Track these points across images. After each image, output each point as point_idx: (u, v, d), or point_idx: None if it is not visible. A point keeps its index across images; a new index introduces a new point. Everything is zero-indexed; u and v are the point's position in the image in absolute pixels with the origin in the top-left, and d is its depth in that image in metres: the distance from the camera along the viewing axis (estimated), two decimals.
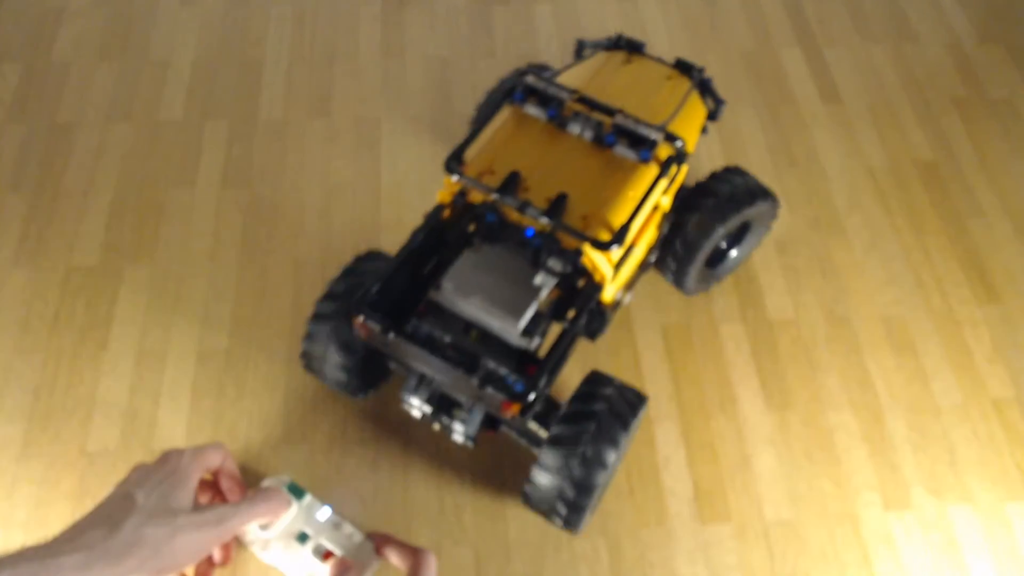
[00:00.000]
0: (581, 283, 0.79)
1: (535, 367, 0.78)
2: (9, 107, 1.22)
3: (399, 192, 1.16)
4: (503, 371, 0.76)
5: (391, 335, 0.75)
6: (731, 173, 0.98)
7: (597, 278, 0.79)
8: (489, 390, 0.73)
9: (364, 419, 0.96)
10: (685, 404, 0.99)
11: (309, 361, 0.88)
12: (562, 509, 0.80)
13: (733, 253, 1.06)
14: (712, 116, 0.98)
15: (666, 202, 0.89)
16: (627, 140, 0.82)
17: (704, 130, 0.98)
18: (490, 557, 0.88)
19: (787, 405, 1.00)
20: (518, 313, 0.76)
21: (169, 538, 0.70)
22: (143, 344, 1.00)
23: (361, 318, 0.76)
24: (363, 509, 0.90)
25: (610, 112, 0.84)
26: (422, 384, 0.82)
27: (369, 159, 1.19)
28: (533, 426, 0.84)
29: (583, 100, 0.85)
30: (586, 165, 0.82)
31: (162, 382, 0.98)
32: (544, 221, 0.76)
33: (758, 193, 0.96)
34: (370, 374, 0.91)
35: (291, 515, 0.83)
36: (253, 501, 0.78)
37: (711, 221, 0.94)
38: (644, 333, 1.04)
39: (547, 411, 0.84)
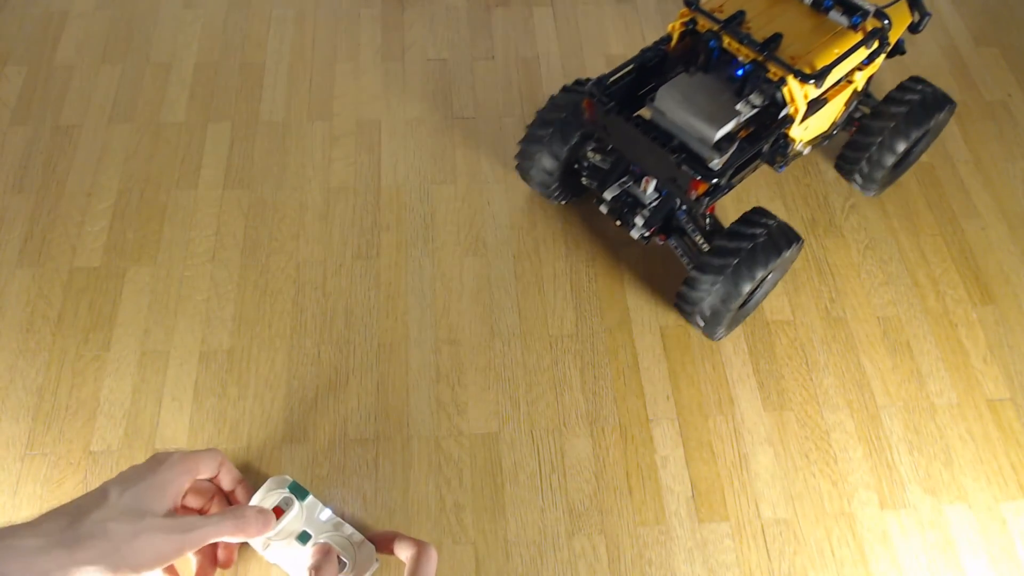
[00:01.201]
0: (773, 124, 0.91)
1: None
2: (13, 109, 1.23)
3: (399, 194, 1.17)
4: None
5: (612, 115, 0.90)
6: (918, 83, 1.09)
7: (791, 111, 0.90)
8: (684, 167, 0.86)
9: (365, 419, 0.97)
10: (683, 404, 1.00)
11: (523, 171, 1.09)
12: (707, 311, 0.96)
13: (913, 154, 1.16)
14: (915, 28, 1.04)
15: (860, 79, 0.98)
16: (842, 8, 0.93)
17: (902, 48, 1.06)
18: (490, 556, 0.89)
19: (784, 405, 1.01)
20: (716, 125, 0.87)
21: (132, 537, 0.68)
22: (145, 344, 1.01)
23: (592, 99, 0.91)
24: (364, 508, 0.91)
25: None
26: (617, 182, 1.01)
27: (369, 161, 1.20)
28: (698, 239, 1.01)
29: None
30: (802, 21, 0.94)
31: (164, 382, 0.99)
32: (757, 51, 0.89)
33: (944, 101, 1.08)
34: (568, 186, 1.10)
35: (293, 514, 0.83)
36: (223, 516, 0.76)
37: (906, 127, 1.06)
38: (643, 334, 1.05)
39: (712, 232, 1.00)
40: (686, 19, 0.95)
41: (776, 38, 0.91)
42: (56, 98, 1.25)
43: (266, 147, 1.21)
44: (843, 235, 1.16)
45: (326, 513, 0.85)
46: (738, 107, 0.89)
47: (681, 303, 0.99)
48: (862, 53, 0.93)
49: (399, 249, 1.11)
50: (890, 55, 1.06)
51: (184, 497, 0.81)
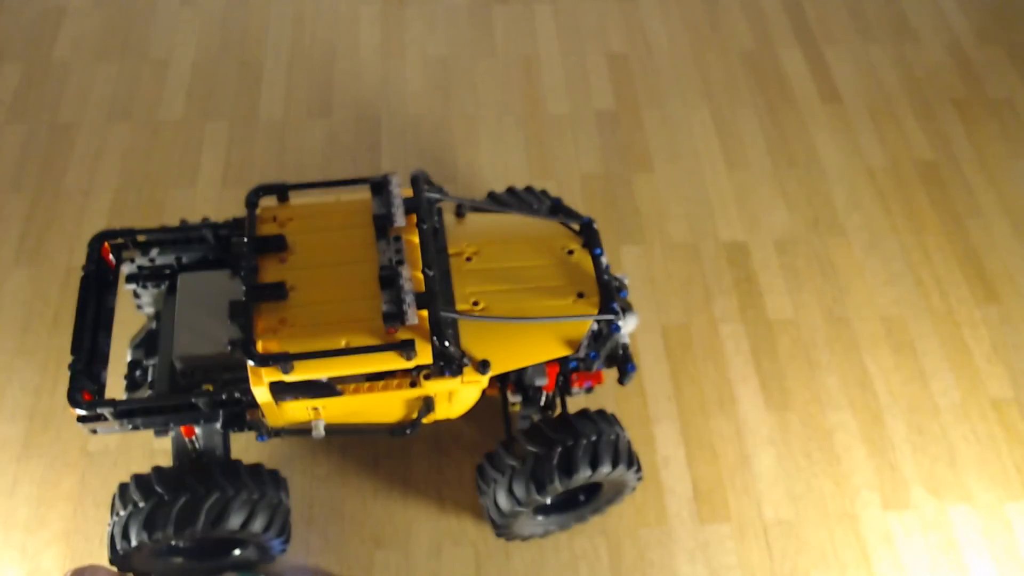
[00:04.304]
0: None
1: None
2: (9, 107, 1.22)
3: None
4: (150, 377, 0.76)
5: (84, 273, 0.76)
6: (597, 420, 0.79)
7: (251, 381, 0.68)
8: (71, 382, 0.70)
9: None
10: (685, 404, 1.00)
11: None
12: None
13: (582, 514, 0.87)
14: (621, 377, 0.80)
15: (439, 394, 0.74)
16: (387, 297, 0.69)
17: (623, 379, 0.80)
18: (490, 557, 0.89)
19: (787, 405, 1.00)
20: (183, 350, 0.72)
21: None
22: None
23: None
24: (364, 508, 0.90)
25: (427, 263, 0.70)
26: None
27: (369, 160, 1.19)
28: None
29: (423, 233, 0.72)
30: (350, 285, 0.71)
31: None
32: (244, 290, 0.69)
33: (629, 459, 0.78)
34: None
35: None
36: None
37: (535, 475, 0.75)
38: (644, 334, 1.05)
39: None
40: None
41: (276, 288, 0.69)
42: (53, 96, 1.24)
43: (265, 145, 1.20)
44: (846, 234, 1.15)
45: None
46: (229, 337, 0.71)
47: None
48: (394, 358, 0.68)
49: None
50: (621, 370, 0.80)
51: None
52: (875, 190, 1.20)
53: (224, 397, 0.71)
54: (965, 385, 1.03)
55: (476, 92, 1.28)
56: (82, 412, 0.69)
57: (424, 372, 0.72)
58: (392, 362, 0.68)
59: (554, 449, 0.75)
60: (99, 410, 0.69)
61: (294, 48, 1.32)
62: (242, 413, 0.74)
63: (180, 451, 0.78)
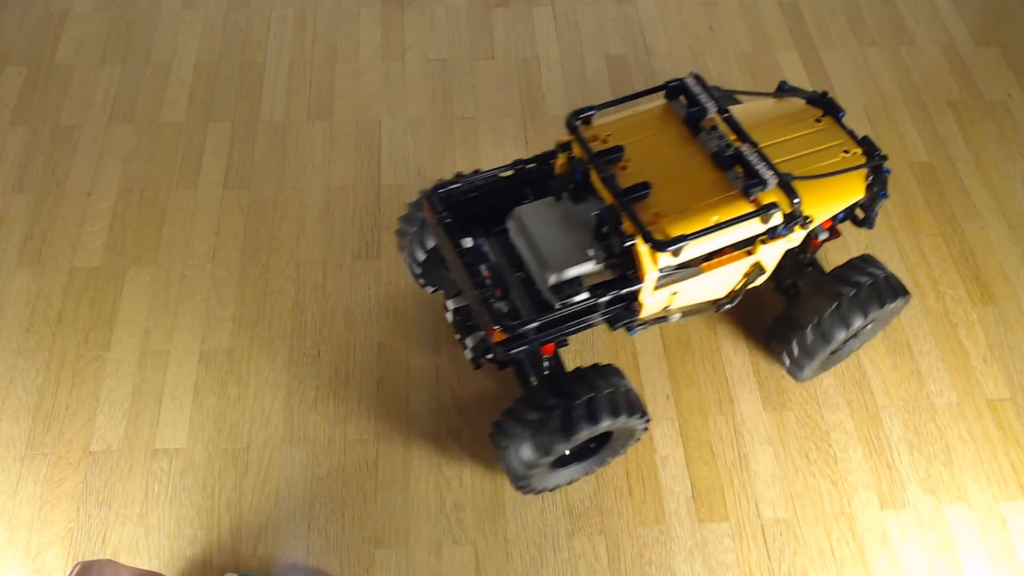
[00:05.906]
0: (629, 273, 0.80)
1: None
2: (13, 109, 1.23)
3: (399, 194, 1.16)
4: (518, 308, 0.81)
5: (442, 224, 0.80)
6: (869, 264, 0.94)
7: (640, 273, 0.78)
8: (484, 308, 0.75)
9: (365, 419, 0.97)
10: (683, 404, 1.00)
11: (400, 240, 0.97)
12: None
13: (855, 343, 1.02)
14: (865, 206, 0.93)
15: (767, 257, 0.84)
16: (744, 170, 0.80)
17: (869, 222, 0.94)
18: (490, 556, 0.89)
19: (784, 405, 1.01)
20: (558, 267, 0.78)
21: None
22: (146, 344, 1.01)
23: (428, 201, 0.82)
24: (364, 508, 0.91)
25: (746, 140, 0.81)
26: (459, 294, 0.90)
27: (369, 161, 1.20)
28: (531, 378, 0.88)
29: (729, 119, 0.83)
30: (691, 174, 0.81)
31: (164, 382, 0.99)
32: (616, 196, 0.77)
33: (897, 290, 0.92)
34: (435, 275, 0.99)
35: None
36: None
37: (848, 314, 0.90)
38: (643, 334, 1.05)
39: (552, 375, 0.87)
40: (563, 141, 0.84)
41: (643, 187, 0.78)
42: (56, 98, 1.25)
43: (266, 147, 1.21)
44: (843, 235, 1.16)
45: None
46: (591, 252, 0.79)
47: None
48: (754, 225, 0.79)
49: (399, 249, 1.11)
50: (859, 224, 0.95)
51: None
52: None
53: (616, 295, 0.78)
54: (961, 385, 1.04)
55: (476, 94, 1.29)
56: (505, 335, 0.75)
57: (760, 237, 0.81)
58: (753, 227, 0.78)
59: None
60: (529, 322, 0.75)
61: (295, 50, 1.33)
62: (623, 311, 0.81)
63: (532, 376, 0.87)
